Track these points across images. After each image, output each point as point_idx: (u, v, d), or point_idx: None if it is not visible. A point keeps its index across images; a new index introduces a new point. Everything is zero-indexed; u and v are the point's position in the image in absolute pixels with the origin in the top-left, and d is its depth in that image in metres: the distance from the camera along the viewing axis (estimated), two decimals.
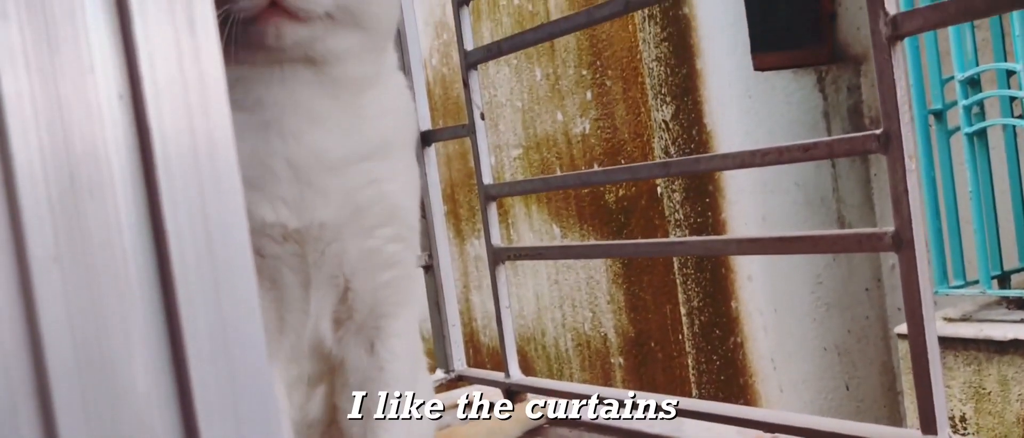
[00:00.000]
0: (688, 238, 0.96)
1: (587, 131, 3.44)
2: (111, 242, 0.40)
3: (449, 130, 1.56)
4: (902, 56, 0.91)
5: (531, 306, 3.80)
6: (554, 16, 3.52)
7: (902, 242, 0.92)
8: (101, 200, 0.40)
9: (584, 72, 3.44)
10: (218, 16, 0.82)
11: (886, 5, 0.91)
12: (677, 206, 3.22)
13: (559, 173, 3.51)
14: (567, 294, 3.63)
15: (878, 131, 0.93)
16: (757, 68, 3.42)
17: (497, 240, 1.45)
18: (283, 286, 0.95)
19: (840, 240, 0.99)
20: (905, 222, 0.91)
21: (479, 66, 1.45)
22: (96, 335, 0.40)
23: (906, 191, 0.91)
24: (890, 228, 0.93)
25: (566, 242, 3.52)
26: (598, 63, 3.39)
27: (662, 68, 3.26)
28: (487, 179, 1.45)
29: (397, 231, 0.99)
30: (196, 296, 0.42)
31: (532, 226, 3.71)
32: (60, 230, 0.39)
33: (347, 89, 0.94)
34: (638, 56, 3.25)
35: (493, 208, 1.46)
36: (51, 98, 0.39)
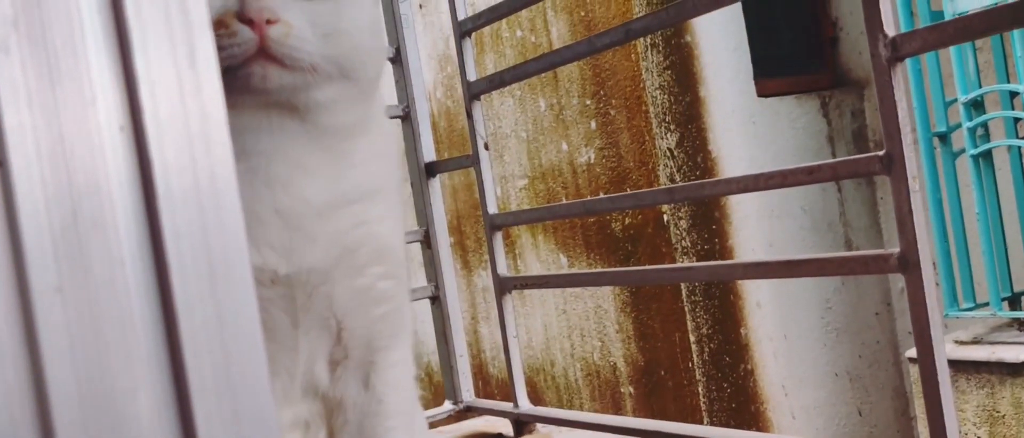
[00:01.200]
0: (695, 264, 0.96)
1: (592, 160, 3.44)
2: (114, 274, 0.40)
3: (454, 161, 1.56)
4: (902, 77, 0.91)
5: (539, 336, 3.79)
6: (557, 46, 3.54)
7: (908, 263, 0.91)
8: (103, 232, 0.40)
9: (588, 102, 3.45)
10: None
11: (885, 27, 0.91)
12: (684, 233, 3.22)
13: (564, 202, 3.51)
14: (575, 324, 3.62)
15: (881, 152, 0.92)
16: (760, 94, 3.43)
17: (503, 269, 1.45)
18: (271, 327, 0.94)
19: (846, 262, 0.99)
20: (911, 243, 0.91)
21: (483, 97, 1.46)
22: (99, 368, 0.40)
23: (910, 212, 0.91)
24: (896, 250, 0.93)
25: (573, 271, 3.51)
26: (602, 93, 3.40)
27: (665, 96, 3.27)
28: (492, 209, 1.45)
29: (387, 268, 0.99)
30: (199, 329, 0.42)
31: (539, 256, 3.71)
32: (62, 262, 0.39)
33: (334, 137, 0.94)
34: (641, 85, 3.26)
35: (499, 237, 1.46)
36: (53, 131, 0.39)
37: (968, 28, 0.85)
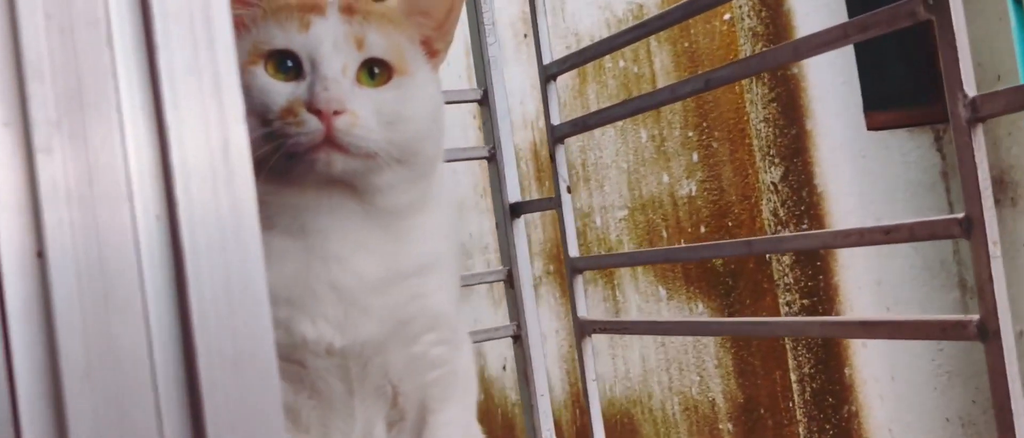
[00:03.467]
0: (766, 319, 0.94)
1: (694, 193, 3.41)
2: (140, 358, 0.43)
3: (537, 202, 1.57)
4: (982, 139, 0.88)
5: (637, 369, 3.76)
6: (660, 80, 3.52)
7: (987, 332, 0.88)
8: (134, 317, 0.43)
9: (690, 133, 3.42)
10: (269, 144, 0.87)
11: (965, 87, 0.88)
12: (786, 270, 3.14)
13: (664, 235, 3.48)
14: (674, 357, 3.58)
15: (960, 215, 0.90)
16: (870, 127, 3.33)
17: (583, 312, 1.45)
18: (328, 395, 0.97)
19: (923, 327, 0.96)
20: (990, 311, 0.88)
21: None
22: None
23: (991, 278, 0.87)
24: (975, 316, 0.90)
25: (671, 306, 3.48)
26: (704, 124, 3.36)
27: (770, 129, 3.21)
28: (573, 252, 1.46)
29: (440, 335, 1.01)
30: (222, 410, 0.44)
31: (638, 287, 3.69)
32: (92, 347, 0.42)
33: (392, 217, 0.97)
34: (745, 117, 3.22)
35: (579, 281, 1.46)
36: (89, 225, 0.42)
37: None
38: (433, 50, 1.02)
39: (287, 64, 0.90)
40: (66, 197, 0.41)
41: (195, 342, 0.44)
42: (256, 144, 0.86)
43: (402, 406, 1.01)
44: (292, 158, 0.88)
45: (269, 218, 0.93)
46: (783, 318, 1.01)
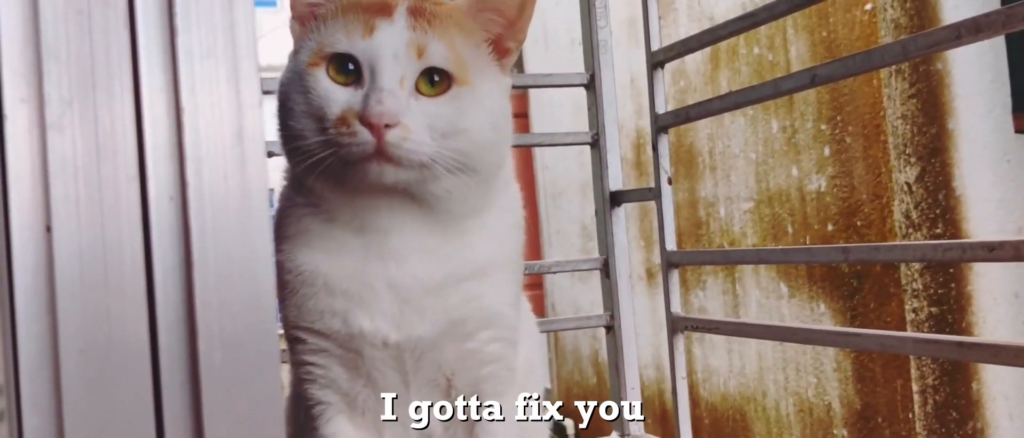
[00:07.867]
0: (857, 330, 0.90)
1: (823, 189, 3.28)
2: (138, 334, 0.44)
3: (637, 192, 1.54)
4: None
5: (753, 365, 3.67)
6: (795, 66, 3.40)
7: None
8: (135, 295, 0.44)
9: (823, 127, 3.29)
10: (327, 151, 0.87)
11: None
12: (916, 274, 3.00)
13: (790, 231, 3.38)
14: (791, 357, 3.47)
15: None
16: (1019, 130, 3.13)
17: (677, 308, 1.42)
18: (383, 384, 0.98)
19: (1021, 354, 0.89)
20: None
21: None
22: None
23: None
24: None
25: (792, 304, 3.37)
26: (838, 118, 3.23)
27: (908, 127, 3.06)
28: (670, 245, 1.43)
29: (495, 333, 1.01)
30: (221, 393, 0.45)
31: (759, 282, 3.59)
32: (89, 320, 0.43)
33: (452, 221, 0.97)
34: (881, 113, 3.07)
35: (675, 275, 1.43)
36: (95, 203, 0.43)
37: None
38: (504, 49, 1.00)
39: (348, 67, 0.90)
40: (74, 174, 0.42)
41: (197, 322, 0.45)
42: (314, 148, 0.87)
43: (454, 399, 1.02)
44: (347, 164, 0.89)
45: (331, 213, 0.94)
46: (873, 331, 0.96)
